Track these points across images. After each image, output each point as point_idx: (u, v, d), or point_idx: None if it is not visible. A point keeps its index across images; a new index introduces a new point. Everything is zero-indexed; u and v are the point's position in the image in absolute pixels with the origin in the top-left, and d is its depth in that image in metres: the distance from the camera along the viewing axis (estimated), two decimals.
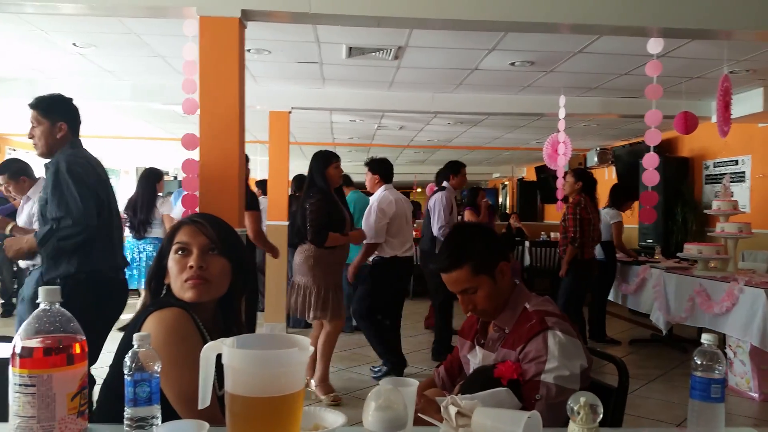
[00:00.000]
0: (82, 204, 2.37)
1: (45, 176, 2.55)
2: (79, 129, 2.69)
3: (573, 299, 4.79)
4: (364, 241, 4.15)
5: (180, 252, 1.34)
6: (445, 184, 5.02)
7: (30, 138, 2.63)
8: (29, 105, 2.60)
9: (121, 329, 1.32)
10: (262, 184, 6.99)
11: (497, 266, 1.58)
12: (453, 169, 5.05)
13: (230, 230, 1.43)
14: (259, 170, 10.66)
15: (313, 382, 3.76)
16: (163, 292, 1.39)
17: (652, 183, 3.84)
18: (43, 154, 2.61)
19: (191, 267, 1.31)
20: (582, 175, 5.04)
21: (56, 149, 2.57)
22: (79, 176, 2.42)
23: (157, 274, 1.38)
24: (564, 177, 5.20)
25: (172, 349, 1.20)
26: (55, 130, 2.57)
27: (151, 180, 5.50)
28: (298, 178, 5.98)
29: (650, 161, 3.85)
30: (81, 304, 2.28)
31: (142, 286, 5.24)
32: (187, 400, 1.17)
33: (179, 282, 1.33)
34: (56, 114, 2.57)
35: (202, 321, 1.34)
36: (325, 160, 3.81)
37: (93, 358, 1.28)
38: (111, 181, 2.80)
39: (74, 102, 2.71)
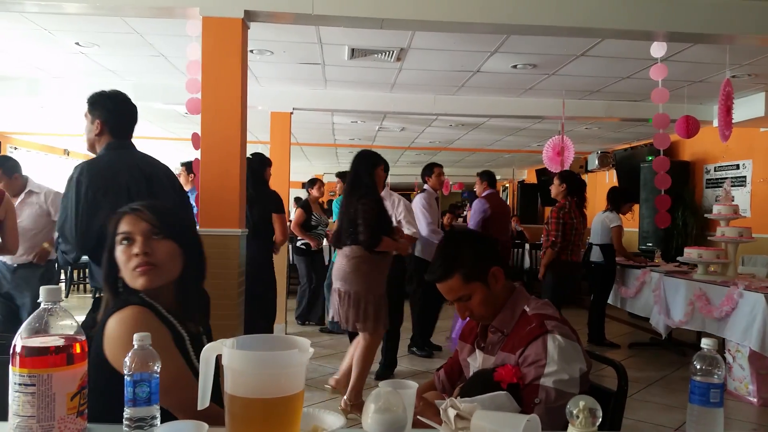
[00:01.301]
0: (76, 222, 2.25)
1: None
2: (123, 130, 2.53)
3: (554, 302, 4.76)
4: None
5: (124, 242, 1.35)
6: (425, 186, 5.13)
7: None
8: None
9: (89, 330, 1.32)
10: None
11: (489, 271, 1.58)
12: (427, 172, 5.13)
13: (171, 212, 1.44)
14: None
15: (345, 399, 3.44)
16: (120, 285, 1.39)
17: (664, 186, 3.81)
18: (88, 150, 2.55)
19: (137, 254, 1.32)
20: (566, 177, 5.05)
21: (96, 146, 2.50)
22: (81, 189, 2.27)
23: (110, 269, 1.38)
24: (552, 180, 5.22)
25: None
26: (93, 128, 2.48)
27: None
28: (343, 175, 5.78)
29: (661, 164, 3.83)
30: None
31: None
32: (165, 390, 1.17)
33: (128, 271, 1.34)
34: (95, 111, 2.48)
35: (165, 306, 1.35)
36: (373, 161, 3.60)
37: None
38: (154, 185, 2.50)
39: (125, 99, 2.57)
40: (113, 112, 2.49)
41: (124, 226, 1.36)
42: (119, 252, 1.35)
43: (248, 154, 4.09)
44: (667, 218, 3.84)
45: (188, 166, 5.44)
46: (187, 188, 5.41)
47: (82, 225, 2.23)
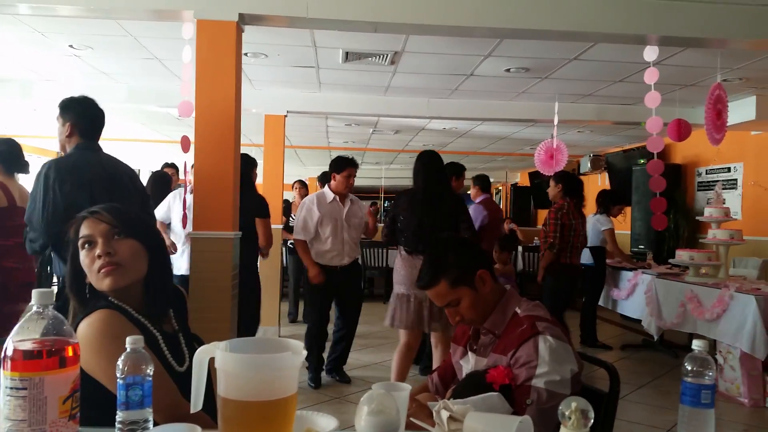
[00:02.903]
0: (43, 211, 2.44)
1: None
2: (91, 131, 2.70)
3: (555, 306, 4.73)
4: None
5: (87, 246, 1.35)
6: None
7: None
8: None
9: None
10: None
11: (476, 275, 1.59)
12: (457, 173, 4.61)
13: (129, 212, 1.44)
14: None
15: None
16: (87, 292, 1.38)
17: (659, 189, 3.84)
18: (60, 150, 2.75)
19: (99, 256, 1.32)
20: (562, 178, 4.98)
21: (67, 147, 2.68)
22: (49, 182, 2.48)
23: (76, 276, 1.38)
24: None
25: (109, 350, 1.20)
26: (64, 130, 2.66)
27: (163, 184, 5.05)
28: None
29: (655, 167, 3.87)
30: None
31: None
32: None
33: (94, 274, 1.33)
34: (66, 114, 2.66)
35: (134, 307, 1.35)
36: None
37: None
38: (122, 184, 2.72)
39: (93, 104, 2.72)
40: (82, 116, 2.67)
41: (84, 230, 1.35)
42: (83, 256, 1.35)
43: None
44: (664, 220, 3.87)
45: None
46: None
47: (48, 213, 2.44)
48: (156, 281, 1.40)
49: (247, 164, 4.12)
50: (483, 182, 5.32)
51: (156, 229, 1.50)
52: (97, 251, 1.32)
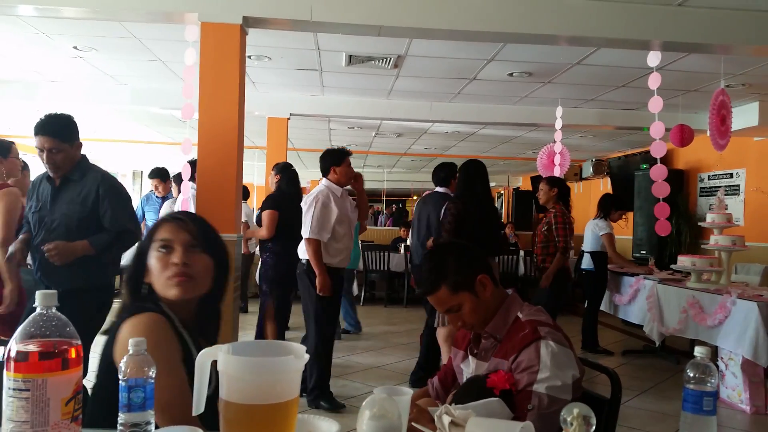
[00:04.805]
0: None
1: (100, 186, 2.62)
2: None
3: (555, 310, 4.69)
4: None
5: (163, 249, 1.32)
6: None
7: (51, 163, 2.57)
8: (44, 131, 2.53)
9: (104, 332, 1.30)
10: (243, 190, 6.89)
11: (476, 280, 1.58)
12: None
13: (211, 227, 1.42)
14: (256, 176, 10.66)
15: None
16: (144, 290, 1.36)
17: (662, 194, 3.83)
18: (64, 173, 2.64)
19: (175, 264, 1.29)
20: (556, 182, 4.90)
21: (68, 166, 2.65)
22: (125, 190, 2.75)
23: (137, 272, 1.35)
24: (539, 185, 5.06)
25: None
26: (75, 150, 2.64)
27: None
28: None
29: (658, 173, 3.86)
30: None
31: None
32: (162, 406, 1.12)
33: (162, 279, 1.30)
34: (75, 134, 2.65)
35: (182, 320, 1.32)
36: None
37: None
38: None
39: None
40: (78, 128, 2.70)
41: (163, 233, 1.33)
42: (155, 258, 1.32)
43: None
44: (667, 226, 3.87)
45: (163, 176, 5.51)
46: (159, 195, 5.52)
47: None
48: (215, 300, 1.39)
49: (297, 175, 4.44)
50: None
51: (227, 249, 1.45)
52: (174, 259, 1.30)
